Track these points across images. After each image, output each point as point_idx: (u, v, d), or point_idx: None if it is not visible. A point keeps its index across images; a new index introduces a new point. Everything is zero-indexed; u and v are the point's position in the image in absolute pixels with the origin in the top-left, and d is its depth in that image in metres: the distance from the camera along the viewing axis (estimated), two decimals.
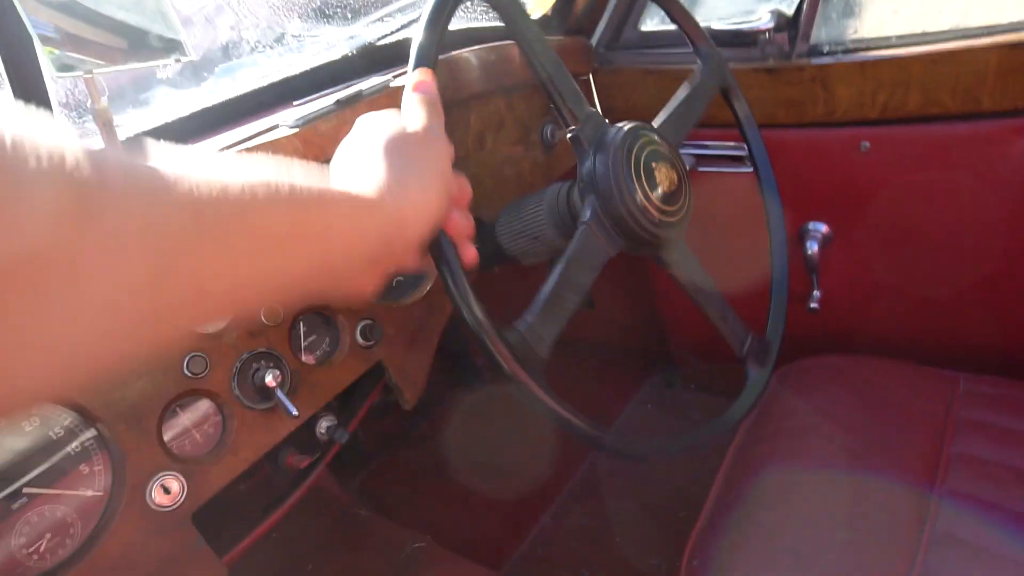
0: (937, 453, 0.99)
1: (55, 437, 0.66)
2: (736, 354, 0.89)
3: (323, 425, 0.85)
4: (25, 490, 0.64)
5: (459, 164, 1.05)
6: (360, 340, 0.85)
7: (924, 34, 1.07)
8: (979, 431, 1.00)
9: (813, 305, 1.26)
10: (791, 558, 0.91)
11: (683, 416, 1.60)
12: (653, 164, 0.82)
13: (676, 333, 1.63)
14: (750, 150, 1.03)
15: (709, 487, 1.04)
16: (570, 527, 1.41)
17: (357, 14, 1.07)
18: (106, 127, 0.68)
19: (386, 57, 1.06)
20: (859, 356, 1.16)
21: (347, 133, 0.79)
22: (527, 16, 0.81)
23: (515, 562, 1.37)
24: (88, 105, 0.67)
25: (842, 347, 1.19)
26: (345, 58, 1.02)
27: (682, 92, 0.95)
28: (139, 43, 0.64)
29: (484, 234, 1.02)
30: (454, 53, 1.02)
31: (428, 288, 0.95)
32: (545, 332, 0.72)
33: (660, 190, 0.81)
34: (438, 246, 0.64)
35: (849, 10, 1.14)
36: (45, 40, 0.54)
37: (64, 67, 0.56)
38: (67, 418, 0.66)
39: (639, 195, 0.79)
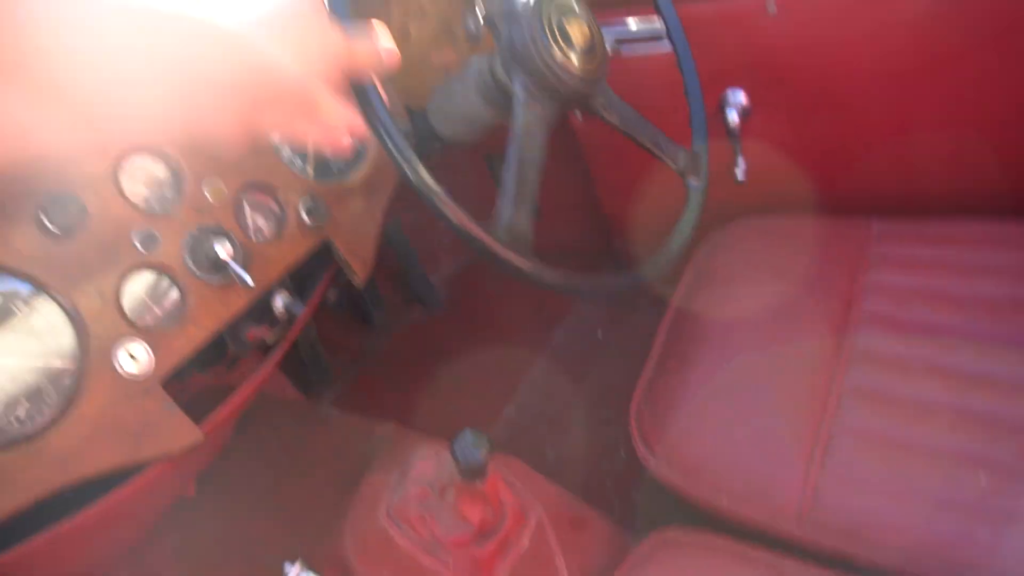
0: (852, 284, 1.08)
1: (17, 311, 0.68)
2: (674, 168, 0.96)
3: (279, 301, 0.88)
4: None
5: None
6: (305, 218, 0.89)
7: None
8: (890, 263, 1.09)
9: (739, 176, 1.33)
10: (726, 392, 1.00)
11: (630, 305, 1.67)
12: (564, 21, 0.86)
13: (618, 232, 1.69)
14: (664, 20, 1.08)
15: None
16: (532, 413, 1.49)
17: None
18: None
19: None
20: (783, 215, 1.24)
21: None
22: None
23: None
24: None
25: (767, 210, 1.27)
26: None
27: None
28: None
29: (417, 121, 1.05)
30: None
31: (369, 169, 0.98)
32: (523, 216, 0.77)
33: (577, 46, 0.85)
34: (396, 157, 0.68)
35: None
36: None
37: None
38: (26, 291, 0.69)
39: (559, 55, 0.83)
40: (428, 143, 1.04)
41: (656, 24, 1.25)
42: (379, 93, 0.71)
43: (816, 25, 1.15)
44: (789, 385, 0.98)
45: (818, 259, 1.13)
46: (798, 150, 1.30)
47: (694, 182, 0.99)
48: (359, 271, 0.95)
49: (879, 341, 0.99)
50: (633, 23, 1.28)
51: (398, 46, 1.11)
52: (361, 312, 1.80)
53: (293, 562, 0.86)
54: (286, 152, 0.91)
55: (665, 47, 1.26)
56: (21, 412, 0.68)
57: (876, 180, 1.28)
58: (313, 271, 0.97)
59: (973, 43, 1.08)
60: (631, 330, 1.61)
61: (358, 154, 1.00)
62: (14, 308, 0.68)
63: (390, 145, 0.71)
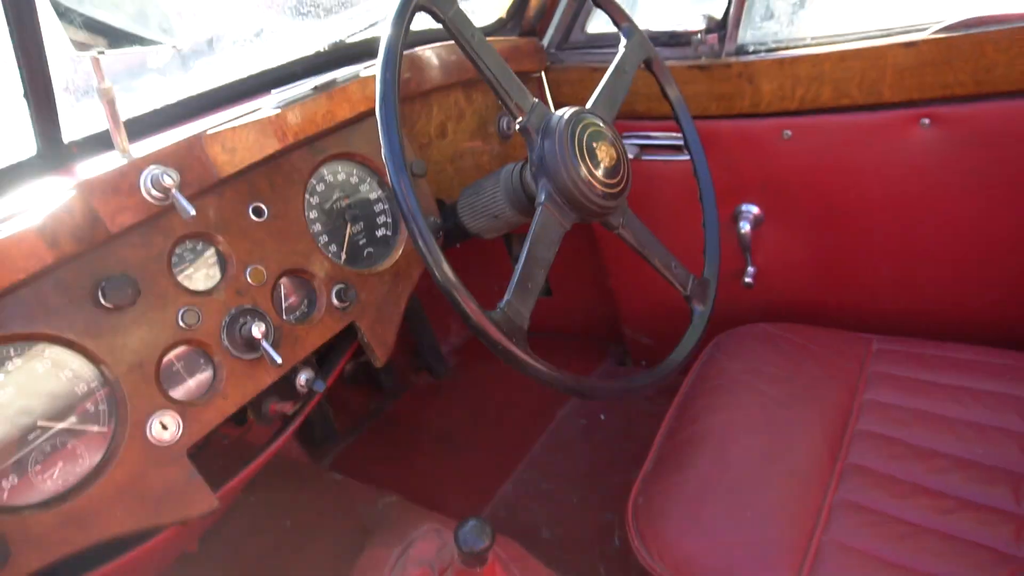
0: (850, 400, 1.12)
1: (64, 379, 0.74)
2: (682, 294, 1.02)
3: (302, 377, 0.94)
4: (39, 423, 0.72)
5: (422, 151, 1.17)
6: (336, 302, 0.95)
7: (834, 35, 1.21)
8: (888, 381, 1.14)
9: (748, 280, 1.39)
10: (722, 494, 1.03)
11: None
12: (594, 144, 0.94)
13: (627, 315, 1.75)
14: (684, 133, 1.16)
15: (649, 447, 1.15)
16: (529, 490, 1.52)
17: (329, 12, 1.17)
18: (109, 104, 0.77)
19: (353, 53, 1.17)
20: (786, 324, 1.29)
21: (322, 115, 0.89)
22: (470, 24, 0.92)
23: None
24: (94, 86, 0.76)
25: (773, 317, 1.32)
26: (317, 53, 1.12)
27: (608, 70, 1.07)
28: (142, 29, 0.74)
29: (447, 214, 1.13)
30: (417, 49, 1.13)
31: (397, 257, 1.05)
32: (523, 307, 0.83)
33: (603, 166, 0.93)
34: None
35: (769, 14, 1.28)
36: (65, 19, 0.63)
37: (80, 46, 0.65)
38: (75, 361, 0.74)
39: (584, 173, 0.91)
40: (454, 234, 1.12)
41: (675, 137, 1.34)
42: (413, 195, 0.78)
43: (827, 152, 1.23)
44: (782, 494, 1.01)
45: (818, 372, 1.17)
46: (805, 263, 1.37)
47: (699, 308, 1.05)
48: (380, 354, 1.01)
49: (872, 458, 1.03)
50: (656, 134, 1.36)
51: (435, 143, 1.21)
52: (370, 376, 1.85)
53: None
54: (323, 239, 0.98)
55: (684, 157, 1.34)
56: (56, 473, 0.73)
57: (878, 299, 1.33)
58: (336, 344, 1.02)
59: (970, 183, 1.16)
60: (634, 415, 1.65)
61: (387, 243, 1.07)
62: (61, 375, 0.74)
63: (420, 242, 0.78)
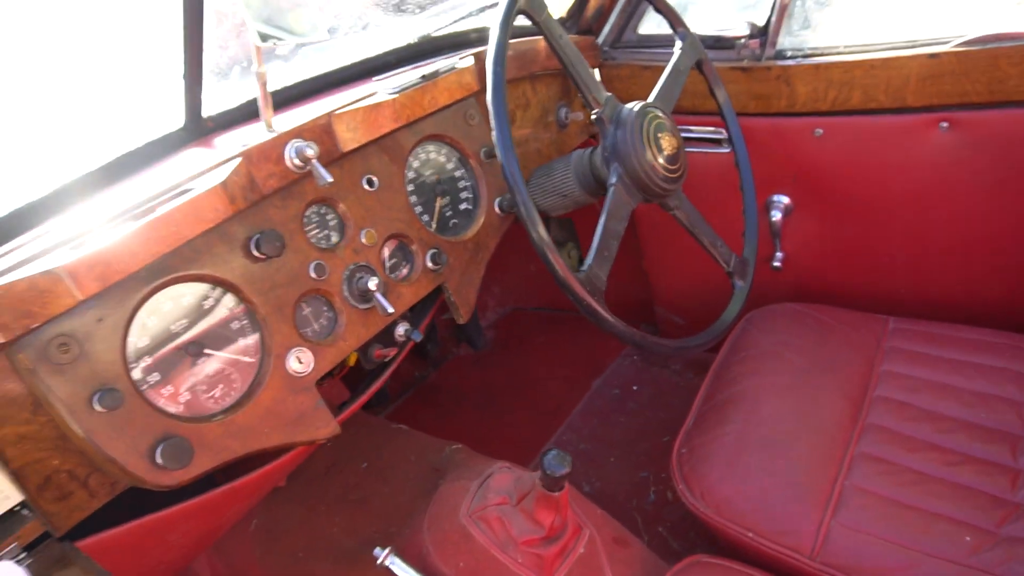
0: (869, 370, 1.26)
1: (223, 315, 0.88)
2: (725, 270, 1.17)
3: (400, 329, 1.08)
4: (206, 351, 0.86)
5: None
6: (430, 264, 1.09)
7: (864, 45, 1.35)
8: (902, 355, 1.28)
9: (776, 264, 1.53)
10: (756, 446, 1.17)
11: (663, 364, 1.86)
12: (659, 134, 1.08)
13: (660, 296, 1.89)
14: (728, 130, 1.30)
15: (681, 414, 1.30)
16: (569, 450, 1.66)
17: (422, 9, 1.31)
18: (263, 86, 0.91)
19: (439, 45, 1.31)
20: (811, 304, 1.43)
21: (428, 101, 1.04)
22: (558, 26, 1.06)
23: None
24: (248, 67, 0.90)
25: (799, 297, 1.46)
26: (408, 45, 1.26)
27: (666, 70, 1.22)
28: (298, 25, 0.88)
29: None
30: None
31: (478, 228, 1.19)
32: (601, 271, 0.98)
33: (666, 153, 1.07)
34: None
35: (806, 24, 1.42)
36: (256, 16, 0.77)
37: (265, 38, 0.79)
38: (231, 300, 0.88)
39: (650, 158, 1.05)
40: None
41: (720, 131, 1.48)
42: (518, 169, 0.92)
43: (854, 149, 1.37)
44: (810, 447, 1.15)
45: (840, 346, 1.31)
46: (829, 249, 1.51)
47: (739, 283, 1.20)
48: (464, 312, 1.15)
49: (888, 419, 1.17)
50: (697, 128, 1.50)
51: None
52: (416, 346, 1.99)
53: (383, 549, 1.04)
54: (418, 209, 1.12)
55: (723, 150, 1.48)
56: (217, 393, 0.87)
57: (895, 283, 1.48)
58: (424, 305, 1.16)
59: (982, 182, 1.30)
60: (663, 387, 1.79)
61: (470, 215, 1.21)
62: (221, 312, 0.88)
63: (521, 209, 0.92)
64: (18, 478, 0.74)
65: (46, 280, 0.67)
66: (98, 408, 0.74)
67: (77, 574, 0.79)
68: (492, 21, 0.98)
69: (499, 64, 0.94)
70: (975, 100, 1.25)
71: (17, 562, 0.75)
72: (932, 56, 1.25)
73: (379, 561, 1.03)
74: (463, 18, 1.29)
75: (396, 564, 1.02)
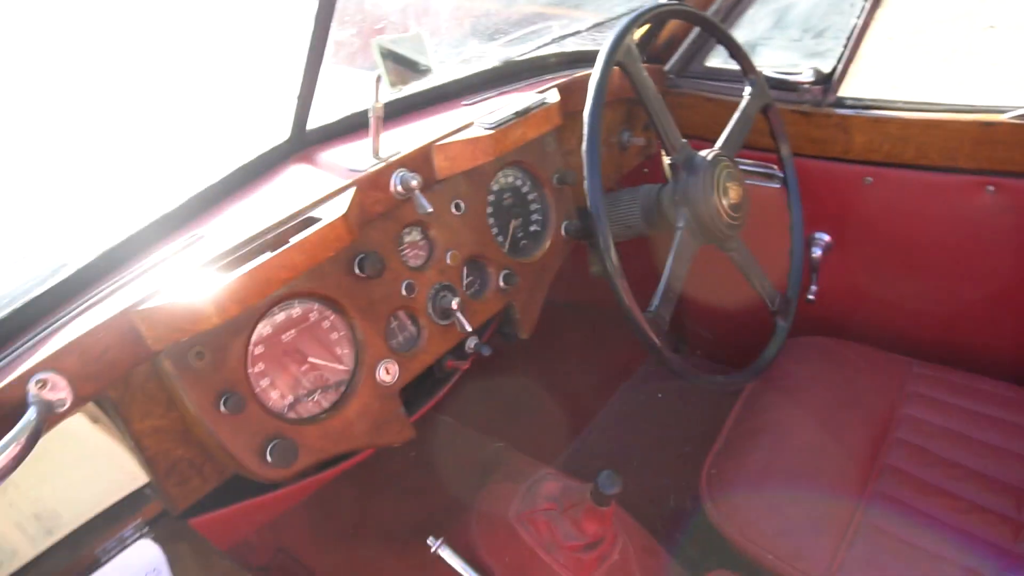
0: (890, 413, 1.36)
1: (326, 328, 0.97)
2: (770, 309, 1.25)
3: (471, 343, 1.17)
4: (310, 359, 0.96)
5: (569, 157, 1.38)
6: (502, 284, 1.18)
7: (924, 103, 1.41)
8: (923, 401, 1.37)
9: (810, 297, 1.62)
10: (781, 475, 1.28)
11: (690, 385, 1.95)
12: (728, 183, 1.16)
13: (692, 309, 1.98)
14: (786, 178, 1.37)
15: (716, 429, 1.39)
16: (594, 452, 1.77)
17: (509, 32, 1.38)
18: (377, 118, 0.98)
19: (520, 69, 1.37)
20: (842, 340, 1.52)
21: (518, 136, 1.11)
22: (647, 79, 1.13)
23: None
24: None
25: (829, 330, 1.55)
26: (494, 68, 1.32)
27: (736, 115, 1.28)
28: (413, 68, 0.95)
29: (582, 215, 1.35)
30: (579, 74, 1.33)
31: (546, 249, 1.27)
32: (666, 312, 1.07)
33: (731, 202, 1.15)
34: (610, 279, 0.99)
35: (871, 78, 1.48)
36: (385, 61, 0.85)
37: (394, 84, 0.88)
38: (333, 315, 0.97)
39: (717, 206, 1.13)
40: (582, 233, 1.34)
41: (772, 167, 1.55)
42: (604, 209, 1.01)
43: (901, 200, 1.44)
44: (831, 480, 1.25)
45: (866, 385, 1.41)
46: (863, 289, 1.59)
47: (782, 322, 1.29)
48: (527, 328, 1.24)
49: (905, 461, 1.27)
50: (750, 162, 1.57)
51: (575, 150, 1.42)
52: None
53: (437, 538, 1.14)
54: (495, 231, 1.21)
55: (774, 184, 1.55)
56: (316, 398, 0.97)
57: (922, 329, 1.57)
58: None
59: (1021, 247, 1.37)
60: (687, 399, 1.89)
61: (538, 237, 1.29)
62: (324, 324, 0.97)
63: (600, 240, 1.01)
64: (150, 464, 0.84)
65: (198, 304, 0.76)
66: (223, 410, 0.84)
67: (187, 548, 0.90)
68: (592, 76, 1.05)
69: (594, 116, 1.02)
70: (1022, 170, 1.32)
71: (142, 536, 0.86)
72: (986, 124, 1.32)
73: (433, 549, 1.13)
74: (545, 44, 1.36)
75: (448, 553, 1.13)
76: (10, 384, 0.67)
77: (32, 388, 0.67)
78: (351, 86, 1.19)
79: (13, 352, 0.73)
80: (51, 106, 1.34)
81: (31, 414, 0.66)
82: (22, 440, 0.64)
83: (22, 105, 1.30)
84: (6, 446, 0.63)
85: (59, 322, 0.76)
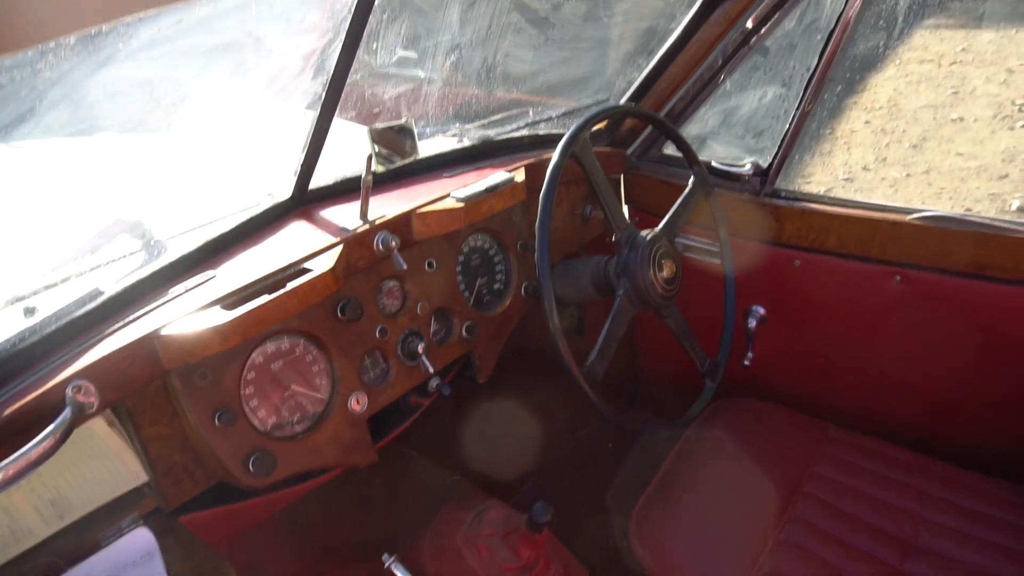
0: (804, 470, 1.53)
1: (308, 361, 1.15)
2: (700, 371, 1.43)
3: (433, 383, 1.34)
4: (293, 386, 1.13)
5: (533, 226, 1.57)
6: (464, 334, 1.36)
7: (845, 200, 1.62)
8: (835, 462, 1.55)
9: (746, 362, 1.80)
10: (702, 521, 1.44)
11: (639, 428, 2.12)
12: (663, 260, 1.35)
13: (644, 366, 2.16)
14: (721, 248, 1.58)
15: (645, 481, 1.56)
16: (544, 489, 1.93)
17: (489, 115, 1.59)
18: (366, 188, 1.18)
19: (497, 147, 1.58)
20: (770, 403, 1.71)
21: (487, 207, 1.30)
22: (599, 168, 1.33)
23: None
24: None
25: (764, 394, 1.73)
26: (473, 146, 1.53)
27: (679, 200, 1.49)
28: (401, 152, 1.15)
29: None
30: (546, 155, 1.54)
31: (507, 306, 1.46)
32: (600, 367, 1.25)
33: (665, 276, 1.34)
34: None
35: (801, 173, 1.70)
36: (375, 145, 1.05)
37: (380, 162, 1.07)
38: (315, 350, 1.15)
39: (652, 279, 1.32)
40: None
41: (714, 244, 1.75)
42: (549, 280, 1.19)
43: (825, 282, 1.65)
44: (745, 528, 1.42)
45: (785, 444, 1.58)
46: (792, 357, 1.78)
47: (709, 383, 1.47)
48: (484, 374, 1.42)
49: (812, 513, 1.44)
50: (693, 238, 1.78)
51: None
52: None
53: (391, 555, 1.29)
54: (462, 287, 1.39)
55: (715, 260, 1.76)
56: (295, 419, 1.13)
57: (842, 398, 1.75)
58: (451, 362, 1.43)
59: (923, 330, 1.57)
60: (633, 450, 2.06)
61: (500, 295, 1.48)
62: (306, 357, 1.15)
63: (545, 304, 1.19)
64: (151, 465, 1.00)
65: (208, 334, 0.93)
66: (217, 423, 1.00)
67: (175, 540, 1.05)
68: (550, 164, 1.25)
69: (548, 198, 1.21)
70: (924, 264, 1.53)
71: (137, 526, 1.01)
72: (895, 223, 1.53)
73: (386, 565, 1.29)
74: (519, 128, 1.57)
75: (400, 569, 1.28)
76: (53, 387, 0.84)
77: (69, 392, 0.84)
78: (348, 136, 1.40)
79: (57, 360, 0.90)
80: (105, 151, 1.53)
81: (67, 413, 0.82)
82: (58, 434, 0.80)
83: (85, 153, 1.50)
84: (45, 438, 0.79)
85: (94, 339, 0.93)
